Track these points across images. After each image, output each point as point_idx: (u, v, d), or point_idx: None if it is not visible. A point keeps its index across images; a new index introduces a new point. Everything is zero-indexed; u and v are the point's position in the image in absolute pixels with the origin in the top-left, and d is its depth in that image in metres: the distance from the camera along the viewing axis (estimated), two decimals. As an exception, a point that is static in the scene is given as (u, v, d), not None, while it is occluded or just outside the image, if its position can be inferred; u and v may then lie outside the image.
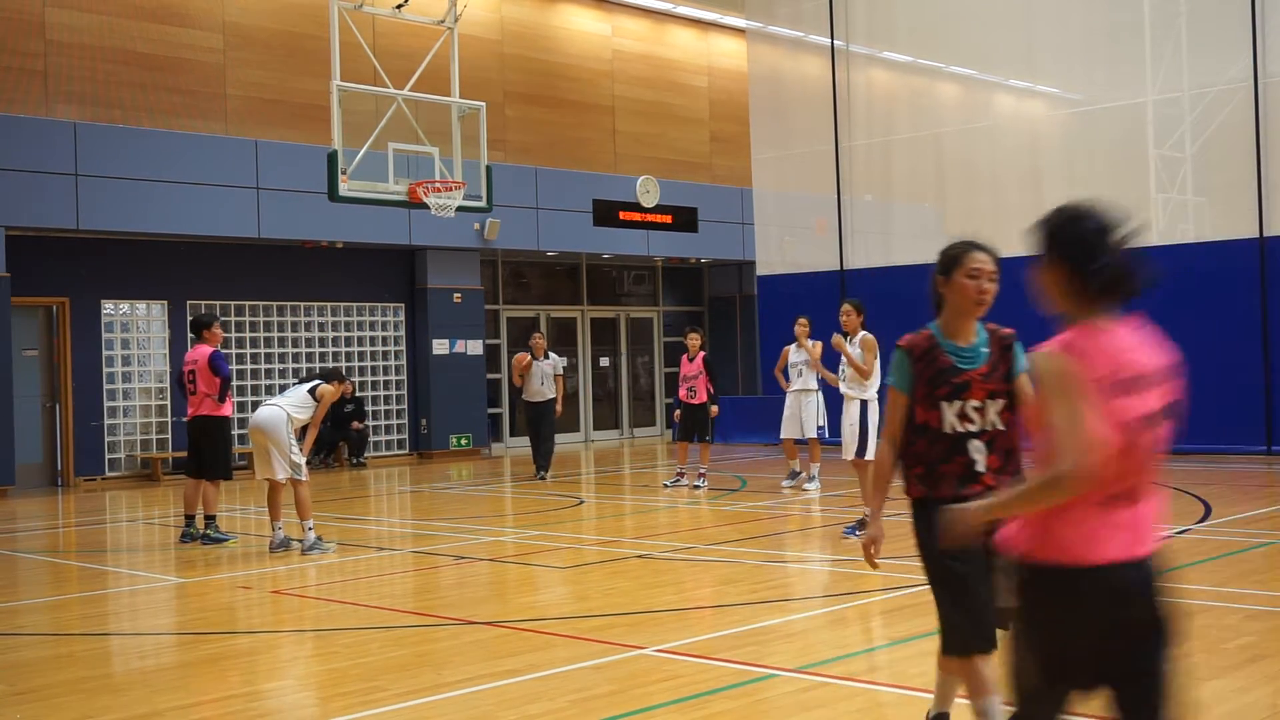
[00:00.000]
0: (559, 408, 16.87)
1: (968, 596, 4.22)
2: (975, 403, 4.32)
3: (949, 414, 4.30)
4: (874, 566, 4.54)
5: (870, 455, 10.56)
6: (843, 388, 10.94)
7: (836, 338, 10.96)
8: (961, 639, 4.33)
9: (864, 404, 10.71)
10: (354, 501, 15.48)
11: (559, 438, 23.77)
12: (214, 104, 18.97)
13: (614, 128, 24.14)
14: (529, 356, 16.57)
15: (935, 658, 4.58)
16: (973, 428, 4.32)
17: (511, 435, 22.72)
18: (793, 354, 14.33)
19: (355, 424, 20.08)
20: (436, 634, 7.35)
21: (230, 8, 19.22)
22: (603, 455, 21.59)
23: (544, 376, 16.55)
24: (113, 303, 18.35)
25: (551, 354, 16.94)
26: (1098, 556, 3.01)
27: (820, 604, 8.14)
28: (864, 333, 10.84)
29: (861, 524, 10.42)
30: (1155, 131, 17.72)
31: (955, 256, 4.33)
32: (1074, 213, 3.18)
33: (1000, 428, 4.35)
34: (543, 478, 16.43)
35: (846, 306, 10.94)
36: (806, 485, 14.02)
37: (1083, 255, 3.11)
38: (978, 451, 4.32)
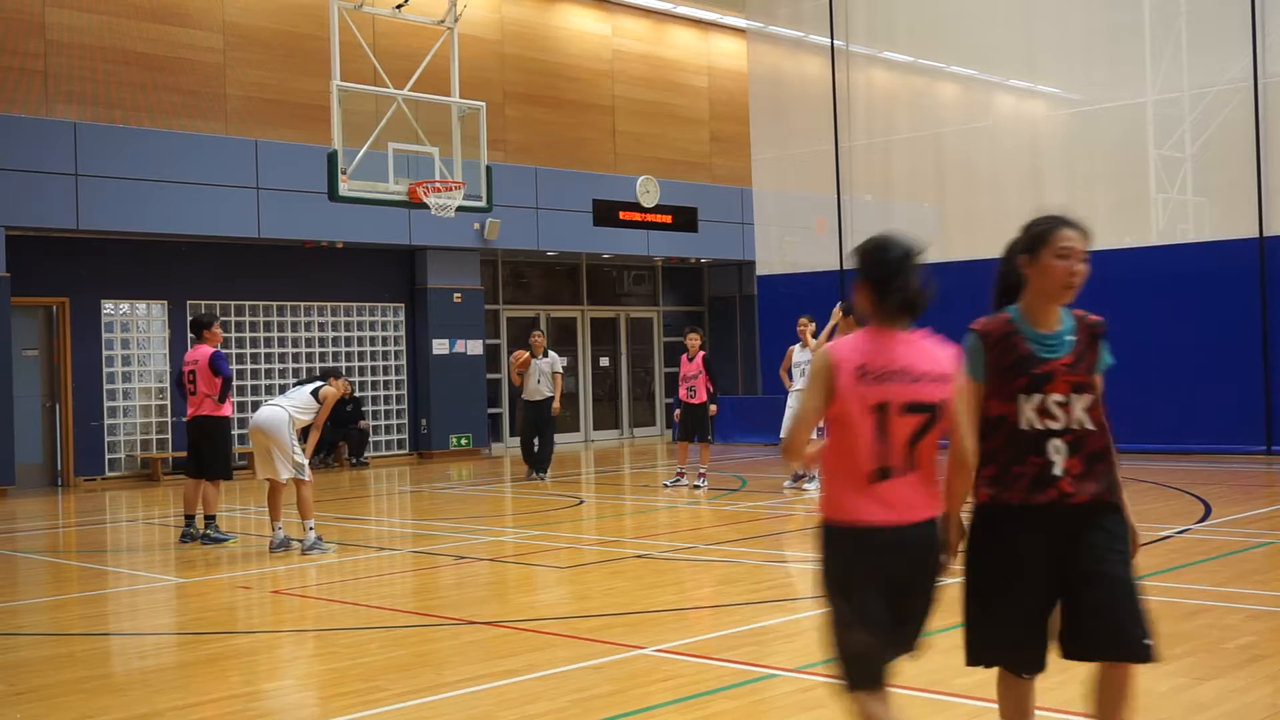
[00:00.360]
0: (557, 406, 16.66)
1: (998, 607, 3.95)
2: (1058, 397, 3.87)
3: (1027, 408, 3.87)
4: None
5: None
6: None
7: (836, 311, 11.07)
8: (984, 647, 4.03)
9: None
10: (354, 501, 15.48)
11: (559, 438, 23.82)
12: (214, 104, 18.97)
13: (614, 128, 24.15)
14: (528, 354, 16.40)
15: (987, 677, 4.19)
16: (1055, 425, 3.87)
17: (511, 435, 22.70)
18: (797, 353, 14.35)
19: (360, 423, 20.12)
20: (436, 634, 7.35)
21: (230, 8, 19.22)
22: (603, 455, 21.59)
23: (542, 375, 16.39)
24: (113, 303, 18.35)
25: (551, 352, 16.77)
26: (859, 518, 3.74)
27: (820, 604, 8.13)
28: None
29: None
30: (1155, 131, 17.72)
31: (1042, 234, 3.90)
32: (880, 243, 3.83)
33: (1089, 427, 3.90)
34: (542, 478, 16.33)
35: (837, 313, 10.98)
36: (806, 485, 14.02)
37: (883, 278, 3.77)
38: (1057, 453, 3.87)
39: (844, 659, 3.80)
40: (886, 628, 3.74)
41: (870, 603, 3.73)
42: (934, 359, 3.79)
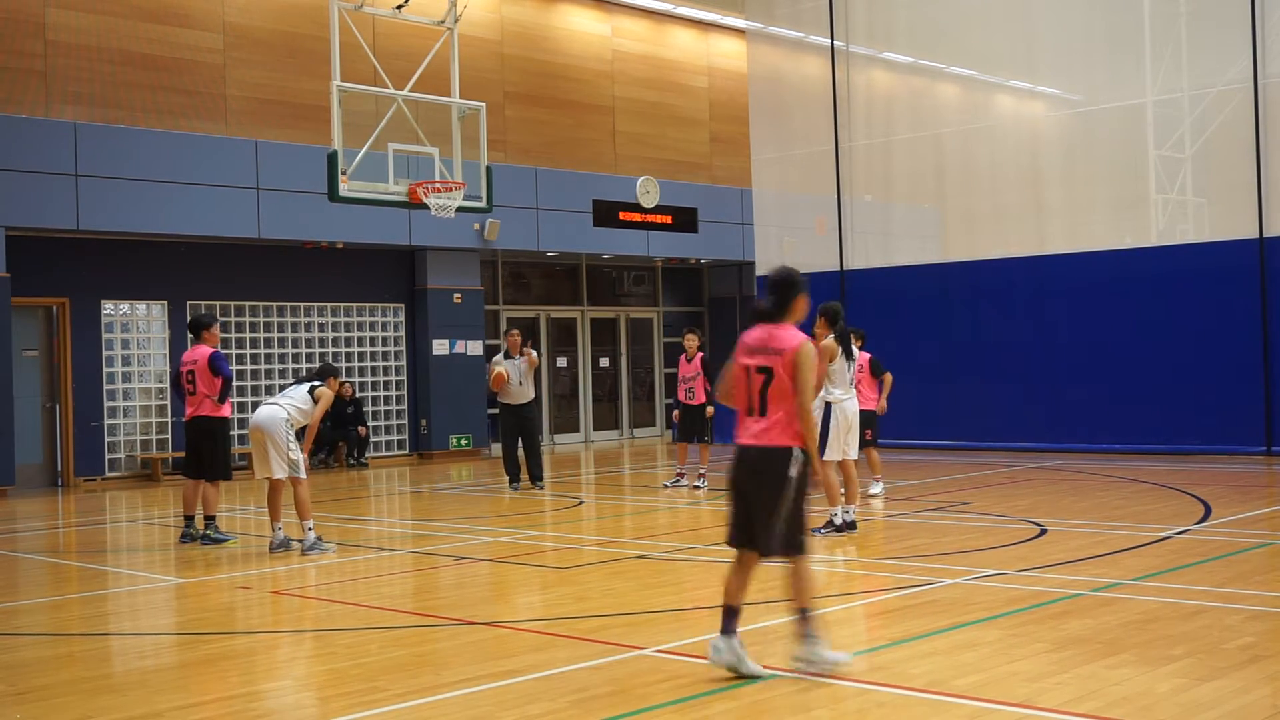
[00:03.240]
0: (531, 391, 15.32)
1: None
2: None
3: None
4: None
5: (828, 456, 10.56)
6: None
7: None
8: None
9: (829, 405, 10.79)
10: (354, 502, 15.47)
11: (560, 438, 23.84)
12: (214, 104, 18.97)
13: (614, 128, 24.15)
14: (505, 374, 15.22)
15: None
16: None
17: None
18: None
19: (360, 429, 20.11)
20: (436, 634, 7.35)
21: (230, 8, 19.22)
22: (603, 455, 21.58)
23: (522, 375, 15.39)
24: (113, 303, 18.35)
25: (525, 349, 15.55)
26: (738, 440, 6.13)
27: (820, 604, 8.13)
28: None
29: (829, 524, 10.46)
30: (1155, 132, 17.73)
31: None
32: (772, 271, 6.48)
33: None
34: (540, 486, 15.48)
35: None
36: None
37: (764, 291, 6.30)
38: None
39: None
40: (737, 511, 6.09)
41: (733, 492, 6.14)
42: (778, 340, 6.08)
